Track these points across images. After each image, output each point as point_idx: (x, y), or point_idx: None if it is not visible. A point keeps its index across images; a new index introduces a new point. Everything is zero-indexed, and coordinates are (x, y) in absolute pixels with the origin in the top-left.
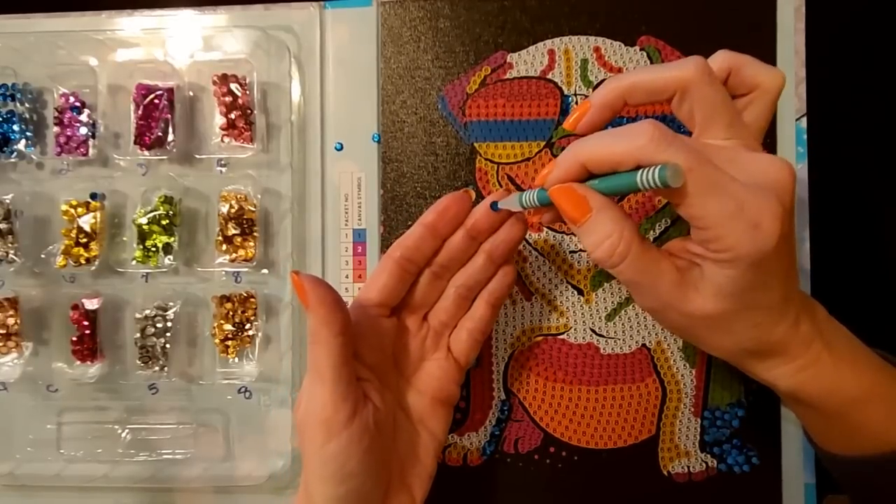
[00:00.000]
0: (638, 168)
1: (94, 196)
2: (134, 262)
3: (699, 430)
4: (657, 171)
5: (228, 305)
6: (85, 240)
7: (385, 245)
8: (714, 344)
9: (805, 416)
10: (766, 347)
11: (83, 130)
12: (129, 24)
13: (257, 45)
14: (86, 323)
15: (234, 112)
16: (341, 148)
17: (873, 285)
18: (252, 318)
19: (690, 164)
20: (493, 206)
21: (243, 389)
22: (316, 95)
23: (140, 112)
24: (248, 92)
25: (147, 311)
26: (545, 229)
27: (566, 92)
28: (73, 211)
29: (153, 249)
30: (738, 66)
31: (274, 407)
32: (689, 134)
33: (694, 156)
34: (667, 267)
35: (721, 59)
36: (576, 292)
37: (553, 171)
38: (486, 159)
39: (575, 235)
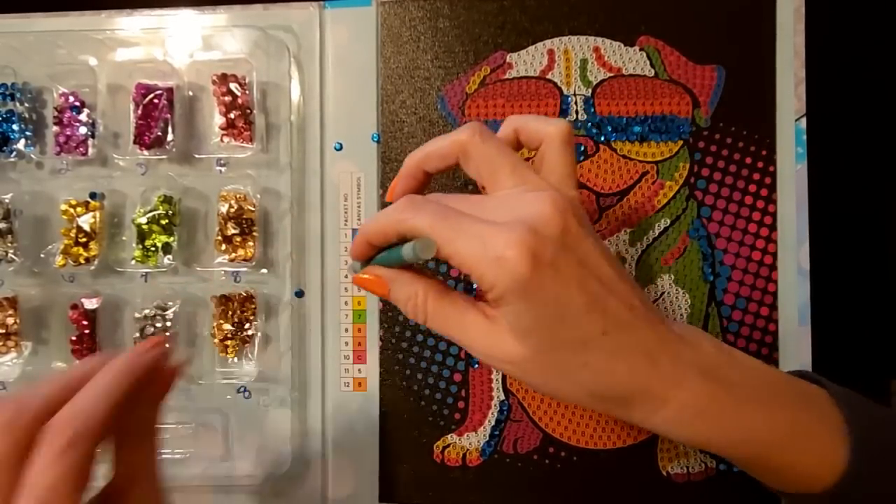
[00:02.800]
0: (403, 240)
1: (93, 195)
2: (133, 262)
3: None
4: (412, 246)
5: (228, 305)
6: (84, 239)
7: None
8: (560, 392)
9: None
10: (619, 391)
11: (82, 130)
12: (128, 23)
13: (257, 45)
14: (85, 322)
15: (234, 112)
16: (341, 148)
17: (873, 285)
18: (251, 317)
19: (432, 223)
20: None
21: (242, 389)
22: (315, 95)
23: (139, 112)
24: (247, 92)
25: (146, 311)
26: None
27: (566, 92)
28: (72, 210)
29: (152, 249)
30: (522, 125)
31: (273, 407)
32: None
33: (434, 214)
34: (474, 317)
35: (507, 124)
36: None
37: (352, 251)
38: None
39: None
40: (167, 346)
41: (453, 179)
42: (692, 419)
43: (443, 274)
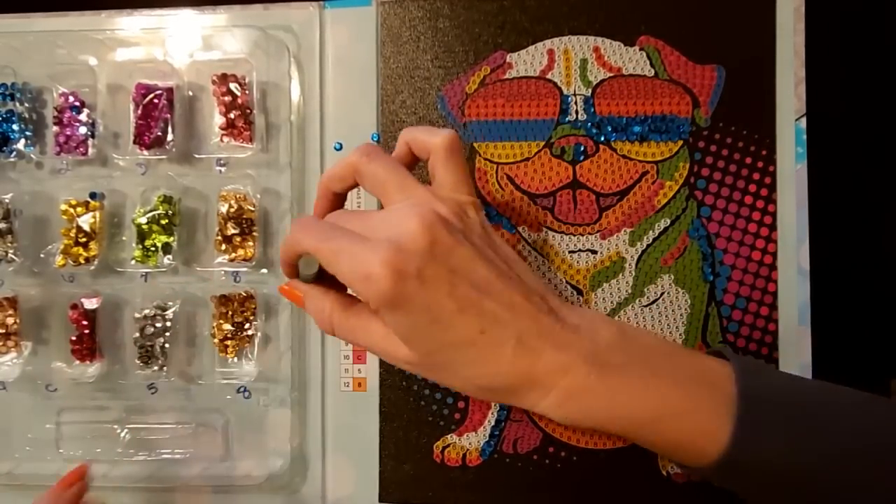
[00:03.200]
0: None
1: (93, 195)
2: (133, 262)
3: None
4: (299, 265)
5: (228, 305)
6: (84, 239)
7: None
8: (452, 386)
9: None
10: (503, 383)
11: (82, 130)
12: (128, 23)
13: (257, 45)
14: (85, 322)
15: (234, 112)
16: (341, 148)
17: (873, 285)
18: (251, 317)
19: (316, 244)
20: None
21: (242, 389)
22: (315, 95)
23: (139, 112)
24: (247, 91)
25: (146, 311)
26: (544, 229)
27: (565, 92)
28: (72, 210)
29: (152, 249)
30: (411, 138)
31: (273, 407)
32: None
33: (318, 235)
34: (375, 325)
35: (401, 138)
36: (575, 292)
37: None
38: (485, 159)
39: (574, 235)
40: (83, 483)
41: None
42: (577, 404)
43: None
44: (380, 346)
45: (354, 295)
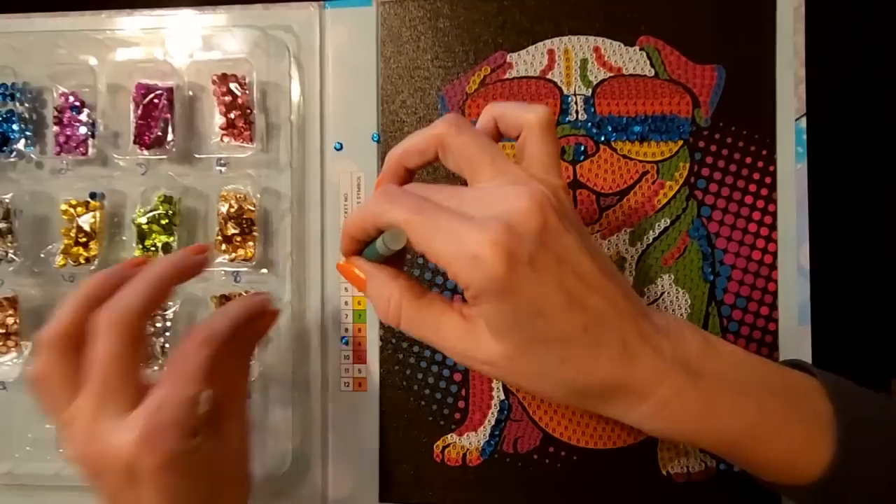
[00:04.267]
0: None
1: (93, 195)
2: None
3: None
4: (382, 239)
5: None
6: (84, 239)
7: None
8: (539, 389)
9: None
10: (598, 387)
11: (83, 130)
12: (128, 23)
13: (257, 45)
14: None
15: (234, 112)
16: (341, 148)
17: (873, 285)
18: None
19: (407, 217)
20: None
21: None
22: (315, 95)
23: (139, 111)
24: (247, 91)
25: None
26: None
27: (566, 92)
28: (72, 210)
29: (153, 249)
30: (500, 113)
31: (273, 407)
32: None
33: (410, 207)
34: (451, 319)
35: (486, 112)
36: None
37: (340, 246)
38: None
39: None
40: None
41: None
42: (671, 414)
43: (419, 265)
44: (456, 342)
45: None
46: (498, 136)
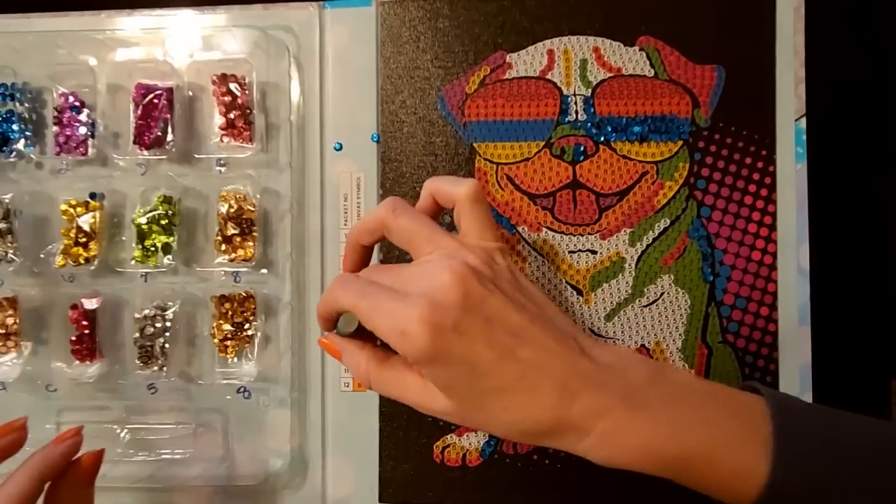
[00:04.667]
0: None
1: (93, 196)
2: (133, 262)
3: None
4: (339, 322)
5: (227, 305)
6: (84, 239)
7: (383, 246)
8: (492, 431)
9: None
10: (541, 427)
11: (82, 130)
12: (128, 23)
13: (256, 45)
14: (85, 322)
15: (234, 112)
16: (340, 148)
17: (873, 285)
18: (251, 317)
19: (354, 302)
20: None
21: (242, 389)
22: (315, 95)
23: (139, 112)
24: (247, 92)
25: (146, 311)
26: (544, 229)
27: (565, 92)
28: (72, 210)
29: (152, 249)
30: (436, 189)
31: (273, 407)
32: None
33: (356, 293)
34: (411, 378)
35: (424, 188)
36: (575, 292)
37: (318, 323)
38: (485, 159)
39: (574, 235)
40: (78, 438)
41: None
42: (615, 444)
43: None
44: (416, 398)
45: (390, 348)
46: (438, 209)
